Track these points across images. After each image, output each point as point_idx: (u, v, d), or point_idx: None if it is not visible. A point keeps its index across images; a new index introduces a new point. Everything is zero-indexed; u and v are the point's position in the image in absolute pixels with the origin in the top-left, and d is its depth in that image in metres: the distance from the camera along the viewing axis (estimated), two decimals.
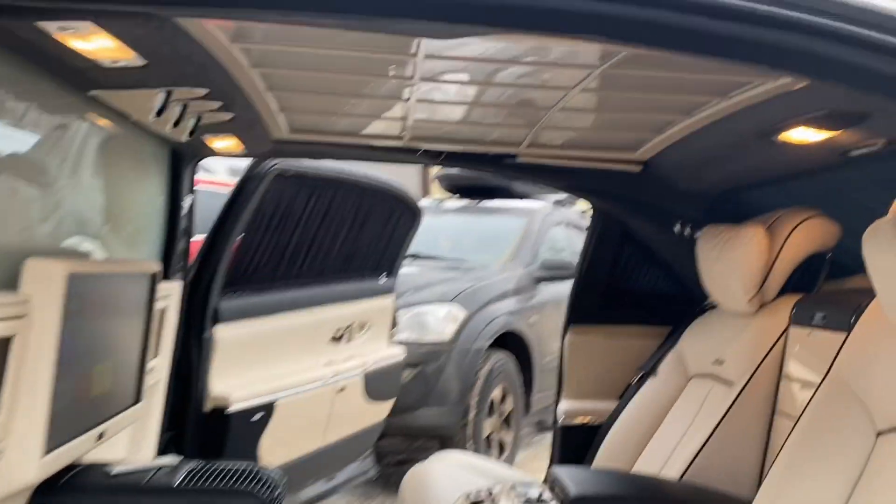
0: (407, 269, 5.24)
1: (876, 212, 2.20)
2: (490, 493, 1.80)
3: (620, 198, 2.47)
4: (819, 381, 1.83)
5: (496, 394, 4.94)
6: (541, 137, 2.21)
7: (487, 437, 4.87)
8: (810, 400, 1.64)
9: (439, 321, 4.70)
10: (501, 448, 5.06)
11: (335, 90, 1.87)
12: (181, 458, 1.82)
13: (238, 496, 1.62)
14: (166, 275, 2.41)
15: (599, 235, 2.63)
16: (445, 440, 4.68)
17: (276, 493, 1.72)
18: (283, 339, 3.15)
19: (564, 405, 2.67)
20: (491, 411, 4.91)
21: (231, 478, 1.70)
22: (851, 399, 1.56)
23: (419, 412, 4.51)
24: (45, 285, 1.40)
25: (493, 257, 5.75)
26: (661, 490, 1.84)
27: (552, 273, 5.65)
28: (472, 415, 4.67)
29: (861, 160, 1.84)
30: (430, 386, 4.54)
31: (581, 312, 2.69)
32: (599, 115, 1.98)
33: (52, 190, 1.66)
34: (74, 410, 1.54)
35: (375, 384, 3.64)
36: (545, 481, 2.71)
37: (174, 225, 2.46)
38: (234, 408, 2.78)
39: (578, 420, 2.65)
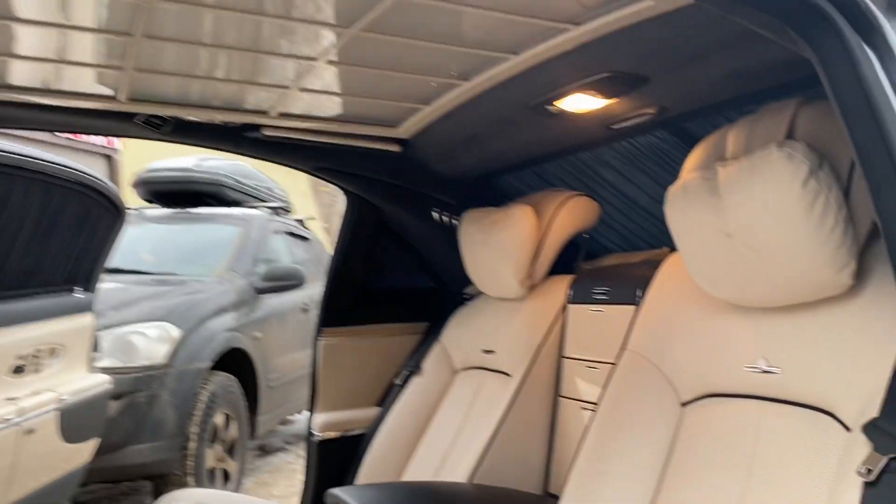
0: (106, 285, 4.50)
1: (626, 191, 2.25)
2: None
3: (378, 182, 2.24)
4: (605, 357, 1.76)
5: (219, 420, 4.42)
6: (290, 106, 1.89)
7: (211, 469, 4.33)
8: (609, 377, 1.55)
9: (150, 342, 4.07)
10: (226, 478, 4.54)
11: (10, 14, 1.34)
12: None
13: None
14: None
15: (354, 227, 2.37)
16: (160, 478, 4.06)
17: None
18: None
19: (320, 418, 2.36)
20: (213, 440, 4.38)
21: None
22: (653, 372, 1.49)
23: (129, 449, 3.84)
24: None
25: (207, 269, 5.19)
26: (456, 500, 1.62)
27: (275, 284, 5.26)
28: (192, 446, 4.10)
29: (628, 131, 1.83)
30: (141, 418, 3.89)
31: (334, 314, 2.40)
32: (355, 82, 1.71)
33: None
34: None
35: (74, 422, 2.98)
36: None
37: None
38: None
39: (336, 433, 2.35)
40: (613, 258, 2.23)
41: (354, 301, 2.44)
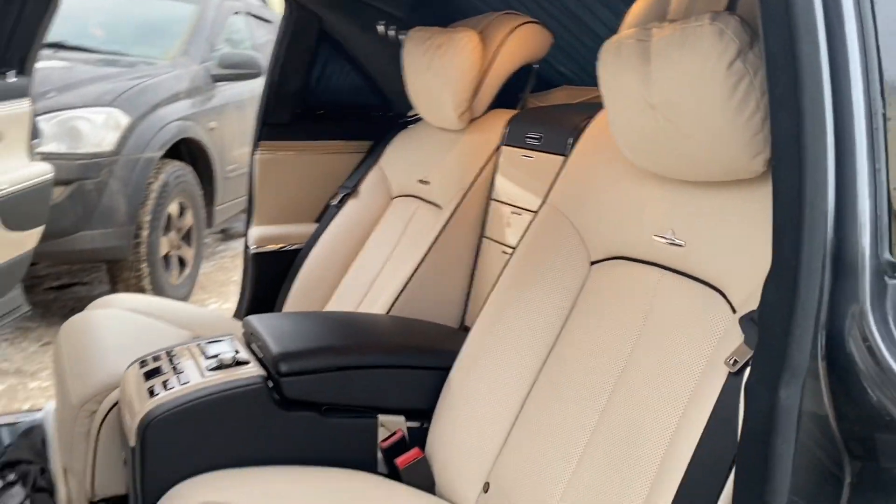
0: (48, 63, 4.26)
1: (586, 20, 2.10)
2: (170, 357, 1.48)
3: None
4: (529, 205, 1.75)
5: (173, 208, 4.43)
6: None
7: (165, 255, 4.41)
8: (528, 227, 1.55)
9: (97, 129, 3.95)
10: (182, 264, 4.65)
11: None
12: None
13: None
14: None
15: (293, 35, 2.22)
16: (114, 263, 4.14)
17: None
18: None
19: (256, 231, 2.37)
20: (168, 228, 4.42)
21: None
22: (566, 227, 1.49)
23: (79, 235, 3.87)
24: None
25: (159, 50, 4.93)
26: (371, 330, 1.68)
27: (232, 72, 5.04)
28: (144, 234, 4.15)
29: None
30: (90, 205, 3.88)
31: (272, 127, 2.32)
32: None
33: None
34: None
35: (15, 211, 2.95)
36: (235, 315, 2.46)
37: None
38: None
39: (272, 246, 2.37)
40: (562, 92, 2.15)
41: (294, 116, 2.35)
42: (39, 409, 2.29)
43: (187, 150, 4.68)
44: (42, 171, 3.17)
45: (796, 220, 0.72)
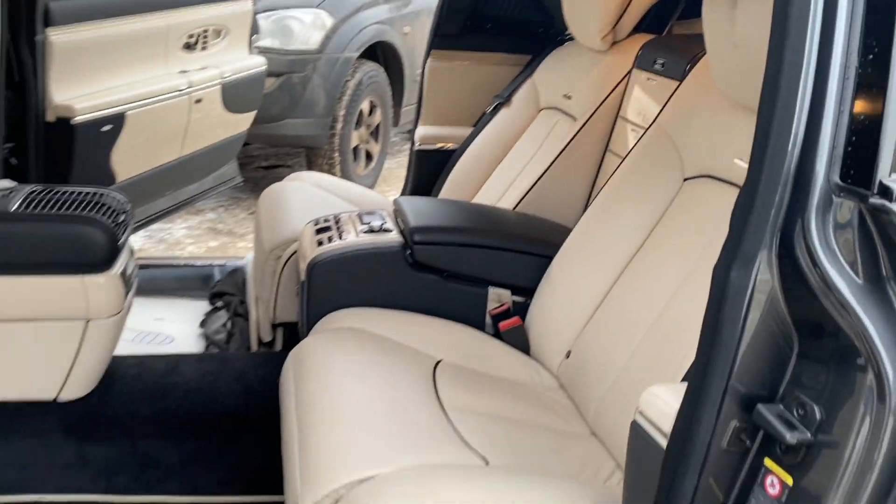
0: None
1: None
2: (336, 221, 1.90)
3: None
4: (646, 124, 1.96)
5: (364, 106, 4.93)
6: None
7: (355, 147, 4.95)
8: (637, 142, 1.77)
9: (305, 28, 4.48)
10: (369, 157, 5.19)
11: None
12: (15, 184, 1.77)
13: (79, 222, 1.63)
14: None
15: None
16: (312, 150, 4.74)
17: (121, 218, 1.74)
18: (129, 45, 2.93)
19: (422, 130, 2.73)
20: (359, 123, 4.94)
21: (73, 203, 1.69)
22: (669, 145, 1.70)
23: (285, 122, 4.47)
24: None
25: None
26: (498, 220, 2.00)
27: None
28: (339, 126, 4.68)
29: None
30: (295, 96, 4.45)
31: (444, 37, 2.64)
32: None
33: None
34: None
35: (235, 94, 3.53)
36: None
37: None
38: (79, 118, 2.65)
39: (433, 145, 2.73)
40: None
41: (462, 28, 2.65)
42: (243, 258, 2.87)
43: (381, 53, 5.12)
44: (258, 63, 3.72)
45: (766, 144, 0.93)
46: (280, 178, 5.46)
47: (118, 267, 1.70)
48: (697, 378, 1.01)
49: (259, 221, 2.30)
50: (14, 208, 1.63)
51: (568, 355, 1.72)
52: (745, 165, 1.49)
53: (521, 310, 1.85)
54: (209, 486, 1.76)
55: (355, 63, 4.71)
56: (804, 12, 0.92)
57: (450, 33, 2.65)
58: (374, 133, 5.18)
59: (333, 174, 4.74)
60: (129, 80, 2.91)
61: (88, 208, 1.68)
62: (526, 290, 1.84)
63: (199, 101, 3.27)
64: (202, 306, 2.62)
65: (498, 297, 1.85)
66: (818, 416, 0.97)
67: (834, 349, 0.97)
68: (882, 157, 0.91)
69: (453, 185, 2.53)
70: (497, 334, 1.84)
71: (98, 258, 1.64)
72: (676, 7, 2.25)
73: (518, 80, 2.58)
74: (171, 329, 2.49)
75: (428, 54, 2.67)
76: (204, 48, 3.35)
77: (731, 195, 1.52)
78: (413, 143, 2.78)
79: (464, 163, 2.56)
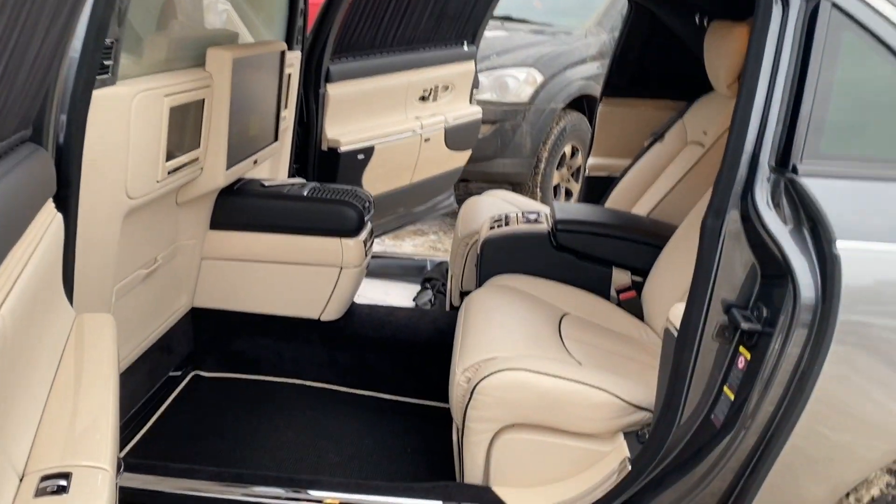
0: (494, 33, 5.79)
1: None
2: (506, 216, 2.66)
3: None
4: None
5: (567, 149, 5.69)
6: None
7: (556, 185, 5.72)
8: None
9: (519, 84, 5.36)
10: (569, 195, 5.92)
11: None
12: (304, 180, 2.76)
13: (343, 204, 2.55)
14: (290, 46, 3.20)
15: (632, 24, 3.19)
16: (517, 185, 5.58)
17: (367, 205, 2.65)
18: (380, 97, 3.96)
19: (591, 161, 3.43)
20: (561, 164, 5.70)
21: (339, 194, 2.63)
22: None
23: (496, 161, 5.36)
24: (220, 66, 2.23)
25: (579, 21, 6.17)
26: (625, 219, 2.64)
27: None
28: (542, 166, 5.48)
29: None
30: (506, 140, 5.33)
31: (613, 87, 3.33)
32: None
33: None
34: (240, 144, 2.45)
35: (455, 136, 4.46)
36: None
37: (294, 6, 3.20)
38: (344, 148, 3.68)
39: (603, 173, 3.41)
40: None
41: (630, 80, 3.33)
42: (447, 255, 3.74)
43: (586, 104, 5.87)
44: (475, 112, 4.64)
45: (733, 141, 1.55)
46: None
47: (363, 236, 2.60)
48: (692, 291, 1.64)
49: (458, 220, 3.14)
50: (305, 193, 2.60)
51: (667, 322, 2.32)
52: None
53: (638, 287, 2.47)
54: (407, 390, 2.58)
55: (560, 113, 5.51)
56: (756, 67, 1.54)
57: (618, 84, 3.34)
58: (575, 174, 5.91)
59: None
60: (379, 122, 3.92)
61: (347, 196, 2.60)
62: (643, 272, 2.46)
63: (427, 140, 4.22)
64: (416, 288, 3.51)
65: (621, 276, 2.49)
66: (765, 314, 1.56)
67: (776, 271, 1.55)
68: (795, 149, 1.50)
69: (611, 203, 3.19)
70: (619, 304, 2.48)
71: (351, 228, 2.55)
72: None
73: (671, 120, 3.19)
74: (393, 300, 3.40)
75: (600, 100, 3.38)
76: (434, 100, 4.33)
77: None
78: (584, 172, 3.48)
79: (620, 186, 3.21)
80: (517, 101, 5.33)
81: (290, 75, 3.13)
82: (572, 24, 6.15)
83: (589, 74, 5.72)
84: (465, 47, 4.53)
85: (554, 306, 2.33)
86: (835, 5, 1.49)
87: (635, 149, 3.37)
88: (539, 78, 5.40)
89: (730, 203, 1.56)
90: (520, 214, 2.63)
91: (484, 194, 3.42)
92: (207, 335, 2.61)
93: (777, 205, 1.52)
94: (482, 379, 1.82)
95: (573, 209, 2.62)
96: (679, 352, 1.66)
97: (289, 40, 3.20)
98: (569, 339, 2.15)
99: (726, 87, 2.75)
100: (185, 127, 2.15)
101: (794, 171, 1.49)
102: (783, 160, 1.52)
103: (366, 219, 2.61)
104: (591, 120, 5.97)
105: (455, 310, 2.98)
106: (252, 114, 2.54)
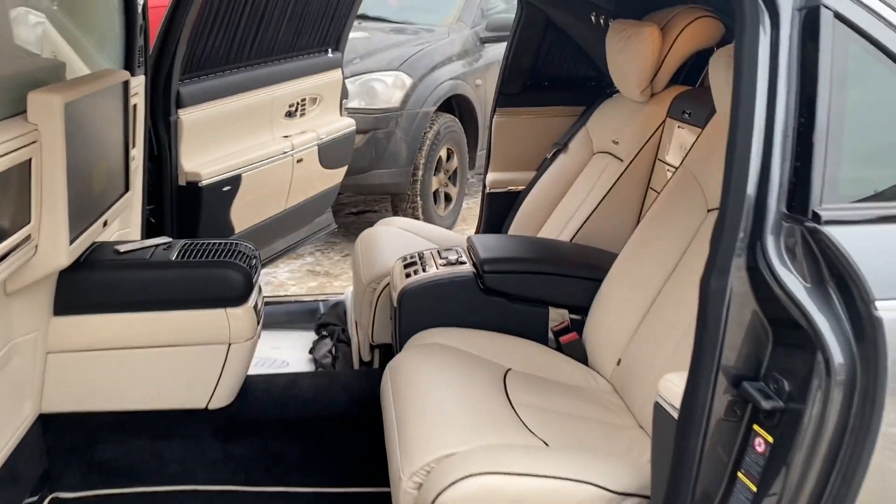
0: (354, 34, 5.37)
1: None
2: (420, 257, 2.30)
3: None
4: (677, 165, 2.29)
5: (443, 153, 5.39)
6: None
7: (435, 191, 5.41)
8: (667, 183, 2.11)
9: (387, 88, 4.99)
10: (448, 199, 5.63)
11: None
12: (171, 239, 2.26)
13: (224, 266, 2.09)
14: (132, 71, 2.66)
15: (523, 26, 2.90)
16: (396, 196, 5.22)
17: (254, 262, 2.20)
18: (241, 118, 3.46)
19: (491, 176, 3.13)
20: (438, 169, 5.40)
21: (216, 252, 2.16)
22: (693, 183, 2.03)
23: (372, 173, 4.97)
24: (48, 114, 1.72)
25: (438, 18, 5.87)
26: (557, 251, 2.36)
27: (497, 34, 5.82)
28: (420, 174, 5.15)
29: None
30: (380, 149, 4.95)
31: (507, 97, 3.04)
32: None
33: (36, 13, 1.90)
34: (84, 206, 1.93)
35: (329, 154, 4.03)
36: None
37: (132, 23, 2.65)
38: (206, 181, 3.17)
39: (503, 188, 3.12)
40: None
41: (523, 87, 3.05)
42: (342, 293, 3.32)
43: (456, 104, 5.59)
44: (348, 124, 4.22)
45: (730, 184, 1.27)
46: (369, 223, 5.99)
47: (252, 301, 2.15)
48: (693, 364, 1.35)
49: (356, 260, 2.74)
50: (174, 257, 2.11)
51: (619, 363, 2.05)
52: None
53: (577, 326, 2.20)
54: (324, 479, 2.17)
55: (433, 116, 5.19)
56: (750, 95, 1.27)
57: (512, 92, 3.05)
58: (452, 177, 5.63)
59: (417, 217, 5.21)
60: (243, 146, 3.43)
61: (228, 255, 2.14)
62: (581, 309, 2.19)
63: (300, 160, 3.78)
64: (310, 336, 3.07)
65: (558, 316, 2.20)
66: (787, 388, 1.29)
67: (795, 336, 1.29)
68: (813, 191, 1.24)
69: (521, 222, 2.91)
70: (559, 348, 2.19)
71: (237, 294, 2.10)
72: (708, 59, 2.58)
73: (573, 128, 2.95)
74: (285, 356, 2.95)
75: (494, 111, 3.08)
76: (302, 115, 3.87)
77: None
78: (484, 188, 3.18)
79: (529, 202, 2.94)
80: (388, 107, 4.96)
81: (135, 105, 2.60)
82: (432, 20, 5.85)
83: (456, 74, 5.44)
84: (330, 54, 4.10)
85: (493, 363, 2.01)
86: (837, 15, 1.24)
87: (536, 160, 3.11)
88: (408, 81, 5.05)
89: (734, 258, 1.28)
90: (436, 254, 2.29)
91: (379, 224, 3.04)
92: (64, 446, 2.07)
93: (793, 258, 1.26)
94: (442, 491, 1.46)
95: (496, 244, 2.30)
96: (684, 437, 1.37)
97: (129, 63, 2.65)
98: (520, 405, 1.84)
99: (639, 91, 2.52)
100: (6, 199, 1.63)
101: (815, 218, 1.23)
102: (797, 205, 1.26)
103: (254, 279, 2.16)
104: (463, 120, 5.73)
105: (366, 365, 2.59)
106: (95, 165, 2.02)
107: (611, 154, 2.71)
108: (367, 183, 5.01)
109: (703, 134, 2.04)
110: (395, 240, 2.75)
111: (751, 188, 1.27)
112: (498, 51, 5.96)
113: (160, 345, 2.08)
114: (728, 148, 1.30)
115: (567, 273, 2.19)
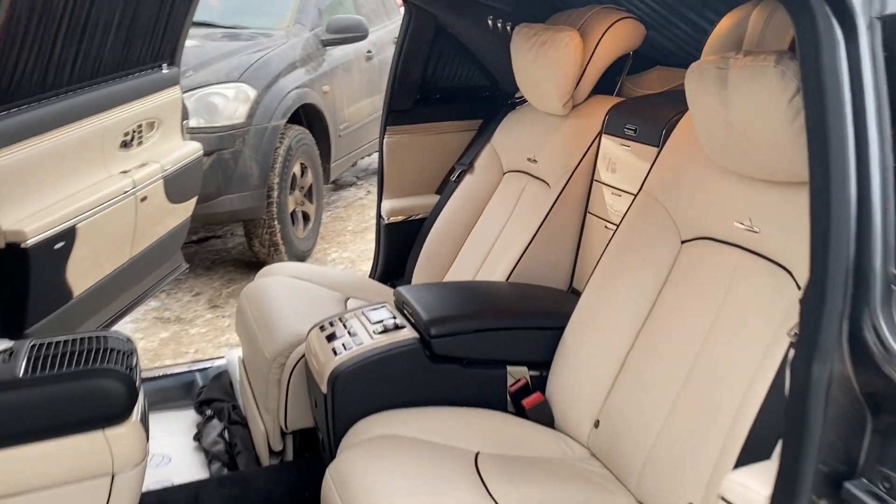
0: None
1: (674, 6, 2.31)
2: (343, 322, 1.89)
3: None
4: (628, 187, 2.04)
5: (296, 169, 4.90)
6: None
7: (292, 212, 4.91)
8: (627, 210, 1.85)
9: (229, 103, 4.42)
10: (306, 219, 5.15)
11: None
12: (11, 343, 1.68)
13: (96, 375, 1.56)
14: None
15: (412, 33, 2.54)
16: (250, 222, 4.67)
17: (132, 359, 1.68)
18: (68, 155, 2.82)
19: (388, 205, 2.75)
20: (293, 187, 4.90)
21: (80, 353, 1.62)
22: (660, 211, 1.78)
23: (220, 200, 4.39)
24: None
25: (273, 20, 5.34)
26: (505, 298, 2.03)
27: (340, 36, 5.39)
28: (275, 194, 4.64)
29: None
30: (228, 172, 4.39)
31: (396, 114, 2.67)
32: None
33: None
34: None
35: (177, 186, 3.45)
36: (371, 275, 2.87)
37: None
38: (32, 240, 2.53)
39: (401, 217, 2.75)
40: (655, 73, 2.39)
41: (414, 102, 2.69)
42: (222, 357, 2.80)
43: (304, 114, 5.11)
44: (195, 149, 3.64)
45: (825, 247, 1.01)
46: (215, 251, 5.37)
47: (136, 414, 1.64)
48: (788, 466, 1.07)
49: (247, 326, 2.26)
50: (22, 372, 1.55)
51: (597, 425, 1.77)
52: (745, 228, 1.59)
53: (539, 383, 1.89)
54: None
55: (283, 129, 4.69)
56: (840, 125, 1.00)
57: (402, 109, 2.69)
58: (308, 194, 5.15)
59: (275, 243, 4.69)
60: (74, 190, 2.80)
61: (98, 357, 1.61)
62: (541, 364, 1.88)
63: (143, 198, 3.18)
64: (191, 416, 2.54)
65: (515, 375, 1.88)
66: None
67: None
68: None
69: (428, 258, 2.56)
70: (521, 412, 1.87)
71: (118, 409, 1.58)
72: (625, 64, 2.36)
73: (477, 145, 2.64)
74: (164, 447, 2.40)
75: (384, 131, 2.70)
76: (140, 143, 3.27)
77: (733, 254, 1.62)
78: (380, 218, 2.79)
79: (436, 232, 2.59)
80: (232, 124, 4.40)
81: None
82: (267, 23, 5.31)
83: (302, 81, 4.97)
84: (166, 69, 3.50)
85: (459, 449, 1.66)
86: None
87: (436, 182, 2.78)
88: (252, 93, 4.51)
89: (835, 335, 1.02)
90: (363, 319, 1.88)
91: (261, 276, 2.56)
92: None
93: None
94: None
95: (435, 299, 1.93)
96: None
97: None
98: (503, 496, 1.50)
99: (561, 104, 2.25)
100: None
101: None
102: None
103: (137, 384, 1.65)
104: (314, 131, 5.25)
105: (277, 456, 2.12)
106: None
107: (528, 174, 2.43)
108: (216, 211, 4.42)
109: (665, 154, 1.80)
110: (292, 295, 2.30)
111: (850, 248, 1.01)
112: (339, 52, 5.57)
113: (18, 492, 1.52)
114: (813, 202, 1.04)
115: (524, 325, 1.88)
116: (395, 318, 1.87)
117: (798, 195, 1.46)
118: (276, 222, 4.67)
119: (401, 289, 1.98)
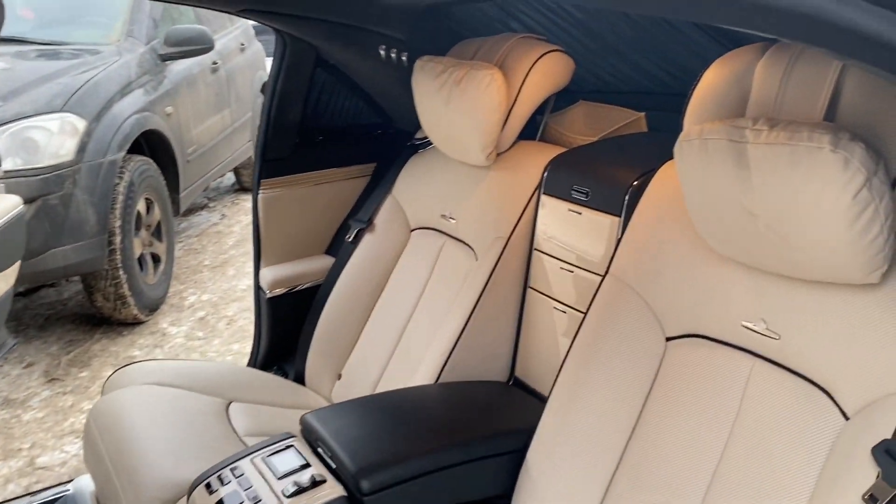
0: None
1: (598, 31, 1.98)
2: (236, 475, 1.41)
3: (313, 20, 1.91)
4: (582, 263, 1.69)
5: (141, 207, 4.23)
6: None
7: (139, 256, 4.24)
8: (593, 300, 1.49)
9: (53, 137, 3.69)
10: (156, 260, 4.49)
11: None
12: None
13: None
14: None
15: (288, 68, 2.05)
16: (90, 275, 3.96)
17: None
18: None
19: (268, 274, 2.25)
20: (138, 228, 4.23)
21: None
22: (637, 302, 1.44)
23: (50, 254, 3.67)
24: None
25: (100, 34, 4.60)
26: (441, 417, 1.60)
27: (181, 49, 4.73)
28: (118, 240, 3.95)
29: None
30: (57, 220, 3.67)
31: (272, 163, 2.18)
32: None
33: None
34: None
35: None
36: (250, 363, 2.36)
37: None
38: None
39: (286, 288, 2.27)
40: (579, 109, 2.06)
41: (292, 148, 2.21)
42: (67, 483, 2.20)
43: (146, 142, 4.44)
44: (13, 204, 2.95)
45: None
46: (48, 304, 4.56)
47: None
48: None
49: (101, 468, 1.70)
50: None
51: None
52: (759, 332, 1.27)
53: None
54: None
55: (122, 163, 4.00)
56: None
57: (279, 157, 2.20)
58: (157, 232, 4.49)
59: (122, 295, 4.01)
60: None
61: None
62: (502, 497, 1.49)
63: None
64: None
65: None
66: None
67: None
68: None
69: (327, 336, 2.10)
70: None
71: None
72: (546, 106, 2.01)
73: (374, 197, 2.20)
74: None
75: (257, 186, 2.19)
76: None
77: (742, 362, 1.30)
78: (259, 291, 2.29)
79: (334, 305, 2.14)
80: (58, 163, 3.67)
81: None
82: (92, 37, 4.56)
83: (141, 105, 4.29)
84: None
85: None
86: None
87: (324, 242, 2.32)
88: (80, 124, 3.80)
89: None
90: (264, 468, 1.40)
91: (114, 387, 1.99)
92: None
93: None
94: None
95: (358, 432, 1.47)
96: None
97: None
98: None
99: (485, 155, 1.87)
100: None
101: None
102: None
103: None
104: (157, 160, 4.57)
105: None
106: None
107: (443, 233, 2.03)
108: (45, 269, 3.69)
109: (632, 231, 1.44)
110: (157, 415, 1.76)
111: None
112: (180, 67, 4.90)
113: None
114: None
115: (475, 456, 1.47)
116: (307, 464, 1.41)
117: (836, 296, 1.16)
118: (120, 272, 3.99)
119: (309, 417, 1.51)
